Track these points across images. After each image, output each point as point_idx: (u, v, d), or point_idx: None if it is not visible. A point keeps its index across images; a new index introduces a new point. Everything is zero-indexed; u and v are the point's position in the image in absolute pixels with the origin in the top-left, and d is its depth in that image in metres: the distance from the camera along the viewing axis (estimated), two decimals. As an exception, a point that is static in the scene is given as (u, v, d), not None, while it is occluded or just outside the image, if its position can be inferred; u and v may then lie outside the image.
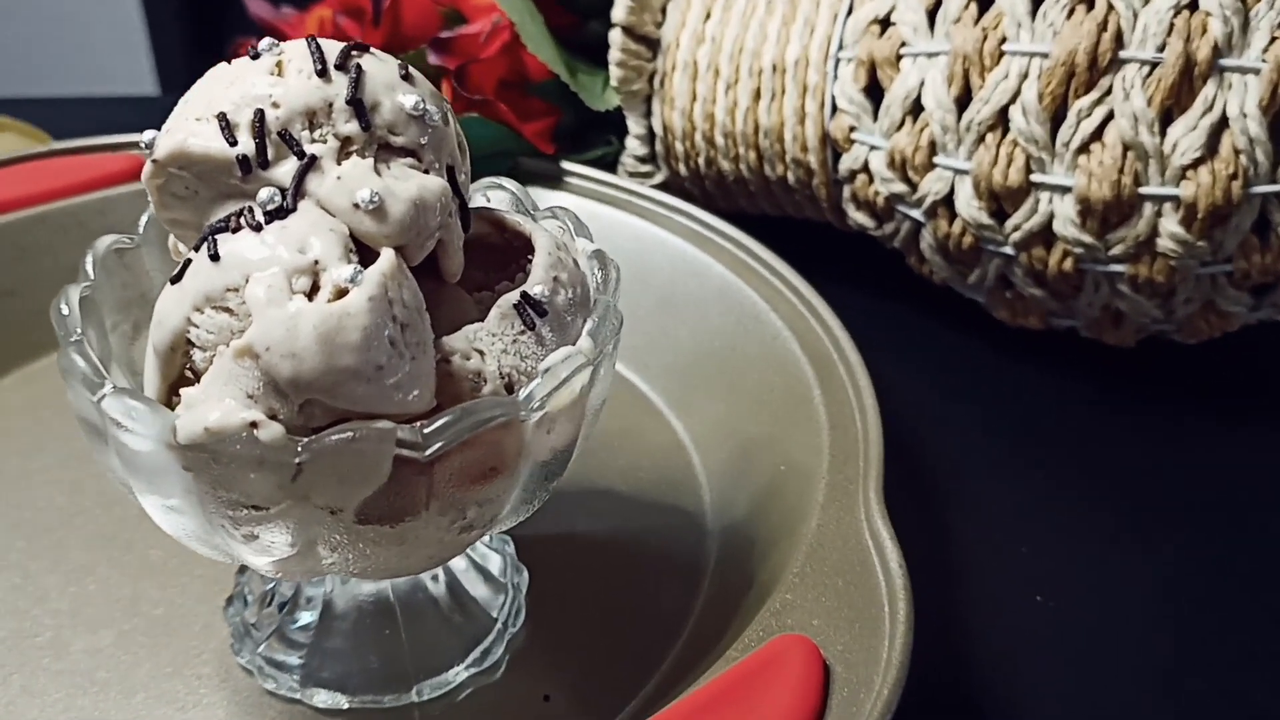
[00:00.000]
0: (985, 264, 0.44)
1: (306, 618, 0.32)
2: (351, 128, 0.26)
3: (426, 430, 0.25)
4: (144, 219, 0.30)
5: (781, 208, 0.51)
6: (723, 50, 0.47)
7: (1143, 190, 0.39)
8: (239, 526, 0.26)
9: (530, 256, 0.29)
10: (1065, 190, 0.40)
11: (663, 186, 0.51)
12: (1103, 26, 0.39)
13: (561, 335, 0.28)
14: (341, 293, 0.24)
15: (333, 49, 0.27)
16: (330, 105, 0.26)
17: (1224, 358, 0.47)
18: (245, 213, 0.25)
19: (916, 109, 0.43)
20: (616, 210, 0.47)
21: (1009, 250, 0.43)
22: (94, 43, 0.98)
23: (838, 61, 0.46)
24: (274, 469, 0.24)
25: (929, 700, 0.33)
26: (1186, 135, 0.38)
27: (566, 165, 0.48)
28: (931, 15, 0.43)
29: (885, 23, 0.45)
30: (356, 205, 0.25)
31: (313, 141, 0.26)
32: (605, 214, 0.47)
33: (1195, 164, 0.39)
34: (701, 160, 0.49)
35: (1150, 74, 0.39)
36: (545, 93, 0.49)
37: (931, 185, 0.43)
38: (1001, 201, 0.42)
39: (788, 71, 0.46)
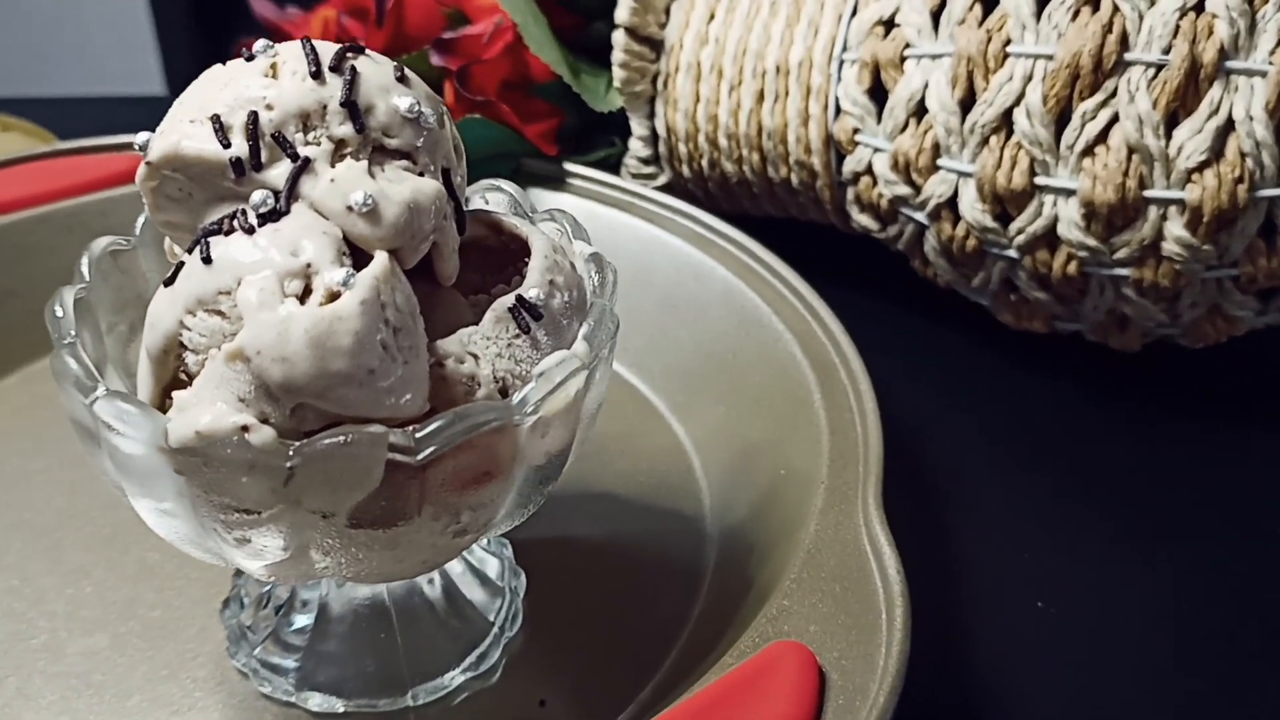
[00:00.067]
0: (989, 267, 0.44)
1: (302, 621, 0.32)
2: (346, 130, 0.26)
3: (419, 434, 0.24)
4: (140, 220, 0.30)
5: (785, 210, 0.51)
6: (726, 51, 0.47)
7: (1148, 194, 0.39)
8: (231, 530, 0.26)
9: (527, 259, 0.29)
10: (1069, 193, 0.40)
11: (666, 188, 0.51)
12: (1108, 28, 0.39)
13: (557, 339, 0.28)
14: (333, 296, 0.24)
15: (327, 50, 0.26)
16: (324, 107, 0.26)
17: (1230, 362, 0.47)
18: (238, 215, 0.25)
19: (920, 111, 0.43)
20: (619, 212, 0.47)
21: (1013, 253, 0.42)
22: (101, 43, 0.98)
23: (841, 63, 0.45)
24: (265, 473, 0.24)
25: (927, 708, 0.33)
26: (1192, 138, 0.38)
27: (569, 167, 0.48)
28: (936, 17, 0.43)
29: (889, 24, 0.44)
30: (350, 208, 0.25)
31: (307, 144, 0.26)
32: (608, 215, 0.47)
33: (1201, 167, 0.38)
34: (705, 162, 0.49)
35: (1155, 76, 0.38)
36: (548, 94, 0.49)
37: (935, 188, 0.43)
38: (1005, 204, 0.42)
39: (791, 73, 0.46)
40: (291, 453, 0.24)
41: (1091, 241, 0.40)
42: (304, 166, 0.25)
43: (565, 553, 0.37)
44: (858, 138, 0.45)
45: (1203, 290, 0.41)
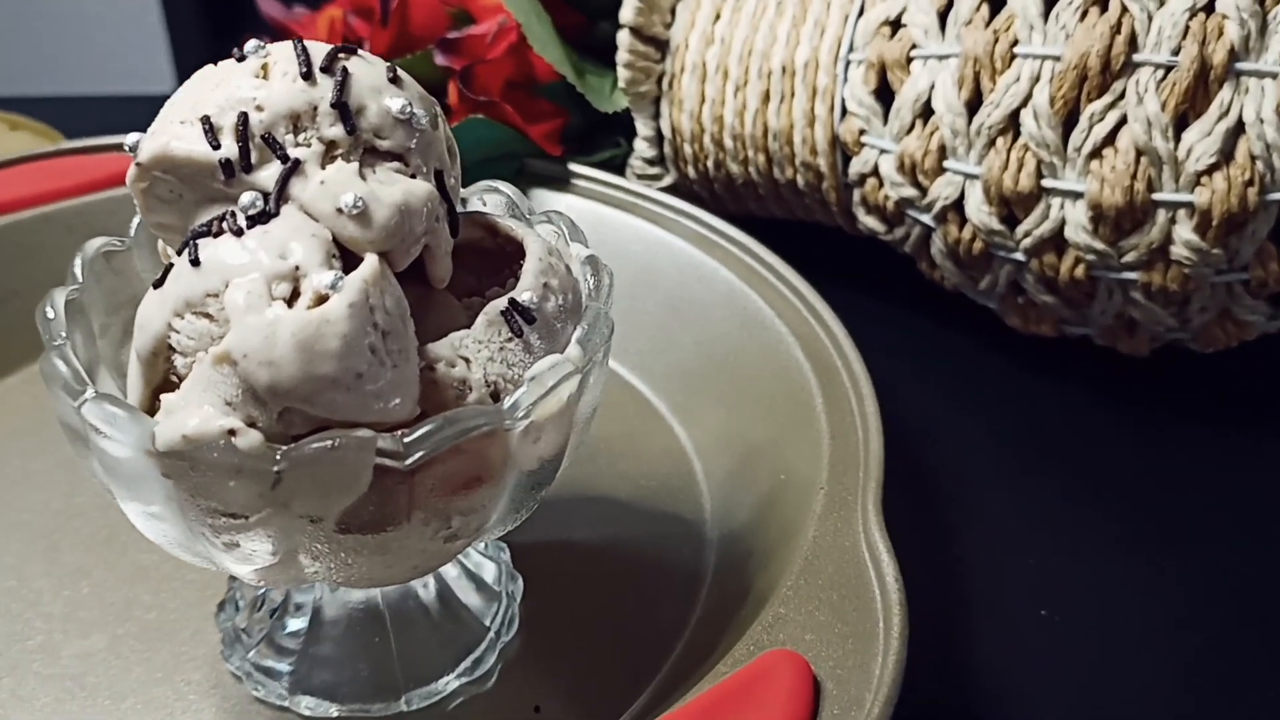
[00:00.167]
0: (996, 270, 0.44)
1: (296, 624, 0.32)
2: (336, 131, 0.26)
3: (407, 439, 0.24)
4: (135, 221, 0.30)
5: (791, 211, 0.50)
6: (732, 52, 0.47)
7: (1156, 196, 0.39)
8: (219, 534, 0.25)
9: (523, 262, 0.29)
10: (1077, 196, 0.40)
11: (671, 189, 0.50)
12: (1116, 29, 0.38)
13: (551, 342, 0.27)
14: (322, 299, 0.24)
15: (319, 51, 0.26)
16: (315, 108, 0.26)
17: (1241, 367, 0.46)
18: (227, 217, 0.25)
19: (927, 112, 0.42)
20: (623, 213, 0.46)
21: (1020, 256, 0.42)
22: (112, 42, 0.98)
23: (848, 64, 0.45)
24: (253, 477, 0.24)
25: (927, 717, 0.33)
26: (1201, 140, 0.38)
27: (573, 167, 0.47)
28: (943, 17, 0.42)
29: (896, 24, 0.44)
30: (340, 210, 0.25)
31: (297, 145, 0.26)
32: (611, 217, 0.46)
33: (1210, 170, 0.38)
34: (710, 163, 0.49)
35: (1164, 77, 0.38)
36: (553, 94, 0.49)
37: (941, 190, 0.42)
38: (1012, 207, 0.41)
39: (797, 74, 0.46)
40: (279, 457, 0.24)
41: (1099, 245, 0.40)
42: (294, 168, 0.25)
43: (564, 556, 0.37)
44: (864, 139, 0.45)
45: (1212, 294, 0.41)
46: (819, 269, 0.44)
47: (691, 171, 0.50)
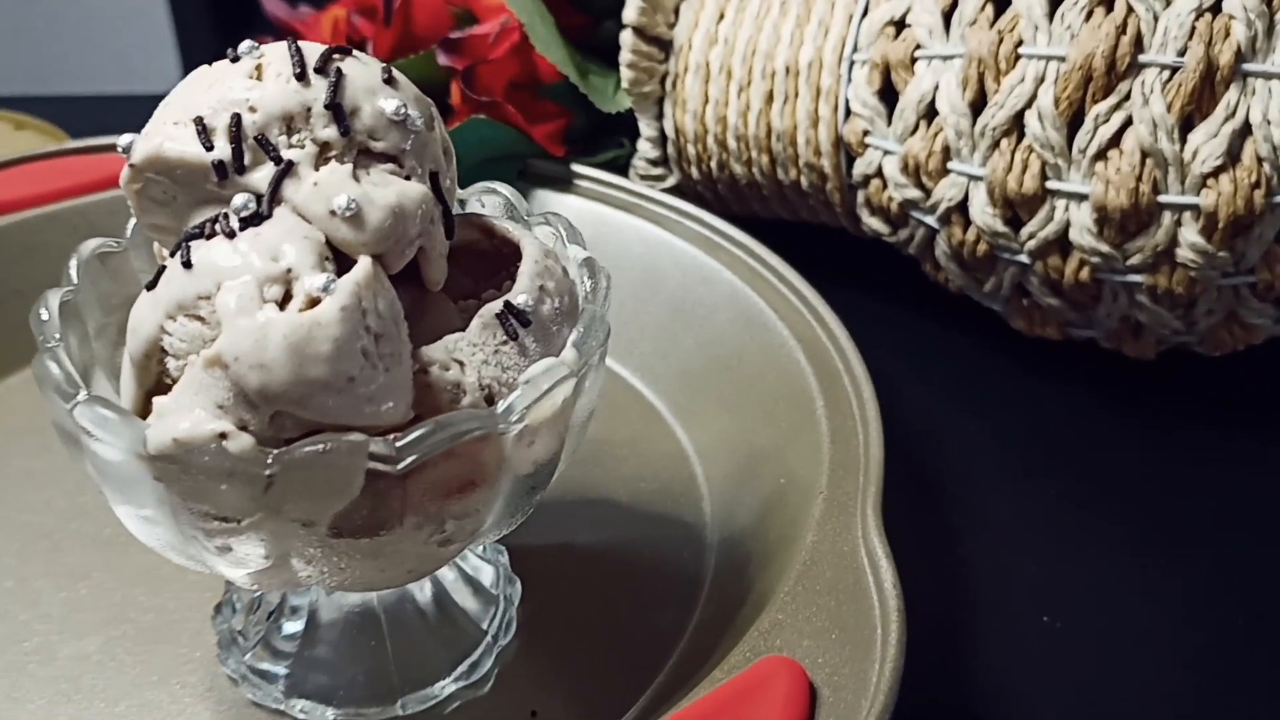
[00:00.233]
0: (1000, 272, 0.43)
1: (292, 627, 0.32)
2: (330, 133, 0.25)
3: (400, 443, 0.24)
4: (132, 222, 0.30)
5: (795, 213, 0.50)
6: (735, 52, 0.47)
7: (1162, 199, 0.38)
8: (211, 538, 0.25)
9: (520, 264, 0.29)
10: (1082, 198, 0.39)
11: (675, 190, 0.50)
12: (1121, 29, 0.38)
13: (546, 346, 0.27)
14: (314, 302, 0.24)
15: (313, 52, 0.26)
16: (309, 110, 0.25)
17: (1248, 371, 0.46)
18: (220, 219, 0.25)
19: (931, 113, 0.42)
20: (626, 214, 0.46)
21: (1024, 259, 0.42)
22: (120, 41, 0.98)
23: (852, 64, 0.45)
24: (244, 480, 0.24)
25: (926, 724, 0.32)
26: (1207, 142, 0.37)
27: (576, 168, 0.47)
28: (947, 17, 0.42)
29: (900, 25, 0.44)
30: (333, 212, 0.25)
31: (290, 147, 0.25)
32: (614, 218, 0.46)
33: (1216, 172, 0.37)
34: (714, 164, 0.49)
35: (1170, 79, 0.37)
36: (556, 94, 0.49)
37: (945, 191, 0.42)
38: (1016, 209, 0.41)
39: (801, 74, 0.45)
40: (270, 460, 0.24)
41: (1104, 247, 0.39)
42: (287, 170, 0.25)
43: (563, 560, 0.36)
44: (868, 140, 0.44)
45: (1219, 297, 0.40)
46: (823, 270, 0.43)
47: (695, 172, 0.50)
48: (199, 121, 0.25)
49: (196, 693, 0.32)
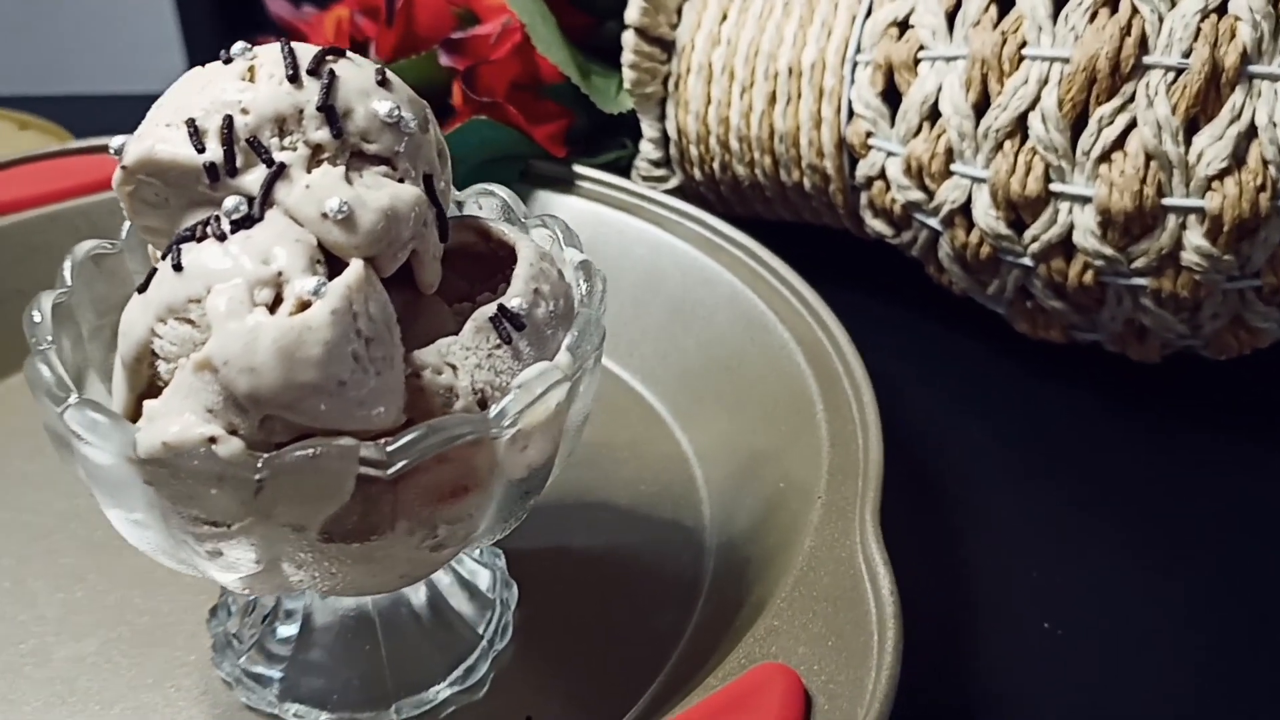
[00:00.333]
0: (1004, 275, 0.43)
1: (286, 630, 0.32)
2: (322, 135, 0.25)
3: (391, 448, 0.24)
4: (127, 224, 0.30)
5: (798, 214, 0.50)
6: (738, 53, 0.46)
7: (1166, 201, 0.38)
8: (202, 543, 0.25)
9: (516, 267, 0.28)
10: (1085, 200, 0.39)
11: (677, 191, 0.50)
12: (1126, 31, 0.38)
13: (540, 349, 0.27)
14: (304, 305, 0.24)
15: (306, 53, 0.26)
16: (301, 112, 0.25)
17: (1255, 375, 0.45)
18: (211, 221, 0.25)
19: (934, 115, 0.42)
20: (627, 215, 0.46)
21: (1027, 261, 0.41)
22: (127, 41, 0.98)
23: (855, 65, 0.44)
24: (234, 485, 0.24)
25: (925, 730, 0.32)
26: (1212, 145, 0.37)
27: (578, 169, 0.47)
28: (951, 18, 0.42)
29: (904, 26, 0.43)
30: (325, 215, 0.25)
31: (282, 149, 0.25)
32: (616, 219, 0.46)
33: (1221, 175, 0.37)
34: (716, 165, 0.48)
35: (1175, 80, 0.37)
36: (558, 95, 0.48)
37: (948, 193, 0.42)
38: (1020, 211, 0.40)
39: (804, 75, 0.45)
40: (260, 465, 0.23)
41: (1108, 250, 0.39)
42: (279, 172, 0.25)
43: (561, 563, 0.36)
44: (871, 141, 0.44)
45: (1224, 301, 0.40)
46: (826, 272, 0.43)
47: (697, 173, 0.49)
48: (191, 123, 0.25)
49: (191, 696, 0.32)
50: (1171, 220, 0.38)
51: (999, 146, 0.40)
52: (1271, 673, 0.35)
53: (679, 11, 0.48)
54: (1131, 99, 0.38)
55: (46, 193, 0.47)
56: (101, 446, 0.24)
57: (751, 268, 0.42)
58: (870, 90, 0.44)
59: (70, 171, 0.48)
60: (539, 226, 0.31)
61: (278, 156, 0.25)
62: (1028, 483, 0.42)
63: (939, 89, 0.41)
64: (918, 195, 0.43)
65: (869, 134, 0.44)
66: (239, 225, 0.25)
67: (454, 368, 0.26)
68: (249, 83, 0.26)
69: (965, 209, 0.42)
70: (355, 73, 0.26)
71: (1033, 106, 0.39)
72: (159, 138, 0.25)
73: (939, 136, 0.41)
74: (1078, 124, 0.39)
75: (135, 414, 0.26)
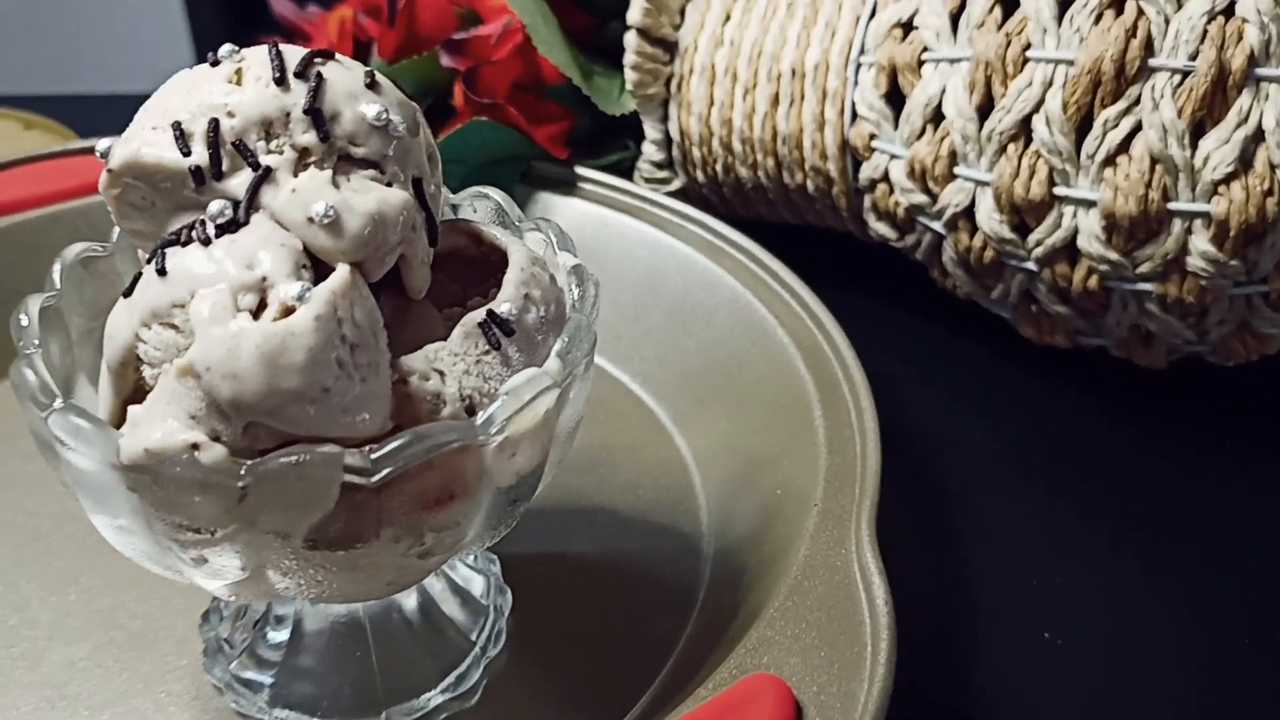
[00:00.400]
0: (1008, 279, 0.42)
1: (277, 636, 0.31)
2: (309, 138, 0.25)
3: (375, 455, 0.24)
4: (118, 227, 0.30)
5: (802, 216, 0.49)
6: (741, 54, 0.46)
7: (1172, 206, 0.37)
8: (187, 549, 0.25)
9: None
10: (1090, 204, 0.38)
11: (680, 193, 0.50)
12: (1132, 33, 0.37)
13: (530, 355, 0.27)
14: (288, 311, 0.23)
15: (294, 56, 0.26)
16: (288, 115, 0.25)
17: (1263, 381, 0.45)
18: (197, 225, 0.25)
19: (938, 117, 0.41)
20: (629, 218, 0.45)
21: (1032, 266, 0.41)
22: (135, 40, 0.98)
23: (859, 66, 0.44)
24: (218, 492, 0.23)
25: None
26: (1219, 148, 0.36)
27: (580, 170, 0.47)
28: (955, 19, 0.41)
29: (908, 27, 0.43)
30: (311, 219, 0.24)
31: (269, 152, 0.25)
32: (618, 221, 0.46)
33: (1228, 179, 0.36)
34: (719, 167, 0.48)
35: (1181, 83, 0.37)
36: (561, 96, 0.48)
37: (952, 197, 0.41)
38: (1023, 215, 0.40)
39: (807, 76, 0.45)
40: (243, 472, 0.23)
41: (1113, 255, 0.39)
42: (265, 176, 0.25)
43: (556, 569, 0.36)
44: (874, 144, 0.44)
45: (1231, 307, 0.39)
46: (829, 275, 0.43)
47: (700, 175, 0.49)
48: (177, 126, 0.25)
49: (181, 701, 0.32)
50: (1177, 225, 0.38)
51: (1003, 149, 0.39)
52: (1273, 675, 0.34)
53: (682, 12, 0.48)
54: (1137, 102, 0.37)
55: (47, 193, 0.47)
56: (84, 452, 0.24)
57: (753, 271, 0.42)
58: (874, 92, 0.43)
59: (73, 172, 0.48)
60: (533, 230, 0.31)
61: (264, 160, 0.25)
62: (1030, 487, 0.42)
63: (943, 91, 0.41)
64: (921, 198, 0.43)
65: (872, 136, 0.44)
66: (224, 229, 0.24)
67: (442, 374, 0.26)
68: (235, 85, 0.25)
69: (969, 212, 0.41)
70: (343, 75, 0.26)
71: (1037, 109, 0.39)
72: (145, 141, 0.25)
73: (942, 139, 0.41)
74: (1082, 127, 0.38)
75: (121, 419, 0.25)
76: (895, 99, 0.43)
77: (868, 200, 0.46)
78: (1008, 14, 0.40)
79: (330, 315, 0.23)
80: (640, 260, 0.45)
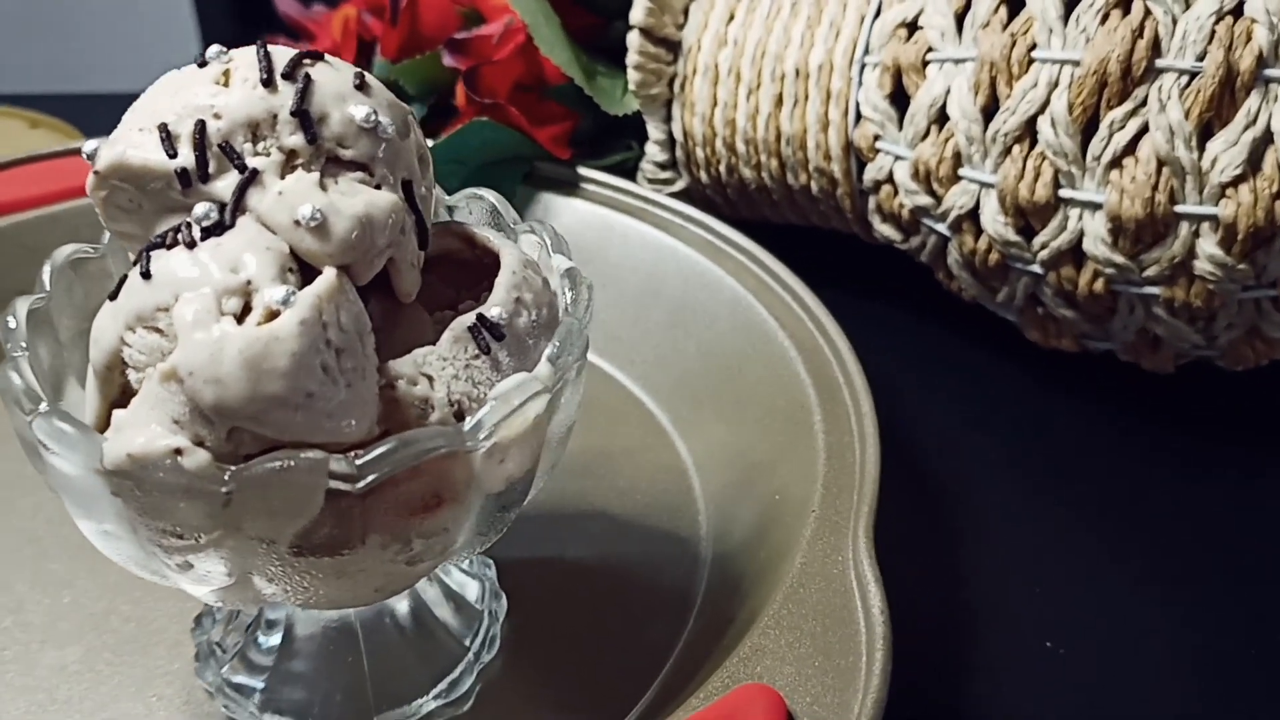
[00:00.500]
0: (1014, 282, 0.42)
1: (269, 640, 0.31)
2: (296, 140, 0.25)
3: (360, 461, 0.23)
4: (109, 228, 0.30)
5: (806, 218, 0.49)
6: (745, 54, 0.46)
7: (1178, 209, 0.37)
8: (172, 555, 0.25)
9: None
10: (1096, 207, 0.38)
11: (684, 194, 0.49)
12: (1138, 33, 0.36)
13: (521, 359, 0.26)
14: (273, 315, 0.23)
15: (283, 56, 0.25)
16: (275, 116, 0.25)
17: (1272, 387, 0.44)
18: (182, 228, 0.24)
19: (942, 118, 0.41)
20: (631, 219, 0.45)
21: (1037, 269, 0.40)
22: (144, 39, 0.99)
23: (863, 67, 0.43)
24: (202, 498, 0.23)
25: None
26: (1227, 151, 0.36)
27: (583, 171, 0.46)
28: (960, 19, 0.41)
29: (913, 26, 0.42)
30: (297, 222, 0.24)
31: (255, 154, 0.25)
32: (620, 222, 0.45)
33: (1236, 181, 0.36)
34: (723, 167, 0.48)
35: (1189, 84, 0.36)
36: (563, 96, 0.48)
37: (956, 199, 0.41)
38: (1028, 217, 0.39)
39: (811, 77, 0.44)
40: (227, 478, 0.23)
41: (1119, 258, 0.38)
42: (251, 178, 0.24)
43: (553, 574, 0.36)
44: (878, 145, 0.43)
45: (1239, 311, 0.39)
46: (832, 276, 0.42)
47: (704, 176, 0.49)
48: (163, 128, 0.25)
49: (173, 705, 0.31)
50: (1184, 228, 0.37)
51: (1007, 151, 0.39)
52: (1273, 680, 0.34)
53: (685, 12, 0.47)
54: (1143, 103, 0.37)
55: (47, 193, 0.47)
56: (68, 457, 0.24)
57: (754, 273, 0.42)
58: (878, 93, 0.43)
59: (73, 172, 0.48)
60: (528, 232, 0.30)
61: (250, 162, 0.24)
62: (1031, 491, 0.41)
63: (947, 92, 0.40)
64: (926, 200, 0.42)
65: (876, 137, 0.43)
66: (209, 232, 0.24)
67: (430, 378, 0.25)
68: (223, 87, 0.25)
69: (973, 214, 0.41)
70: (332, 77, 0.25)
71: (1042, 110, 0.38)
72: (131, 143, 0.25)
73: (947, 140, 0.41)
74: (1088, 128, 0.38)
75: (108, 423, 0.25)
76: (900, 100, 0.43)
77: (872, 202, 0.45)
78: (1013, 14, 0.39)
79: (315, 320, 0.23)
80: (642, 262, 0.44)
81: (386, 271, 0.26)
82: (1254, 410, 0.44)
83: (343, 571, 0.25)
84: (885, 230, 0.46)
